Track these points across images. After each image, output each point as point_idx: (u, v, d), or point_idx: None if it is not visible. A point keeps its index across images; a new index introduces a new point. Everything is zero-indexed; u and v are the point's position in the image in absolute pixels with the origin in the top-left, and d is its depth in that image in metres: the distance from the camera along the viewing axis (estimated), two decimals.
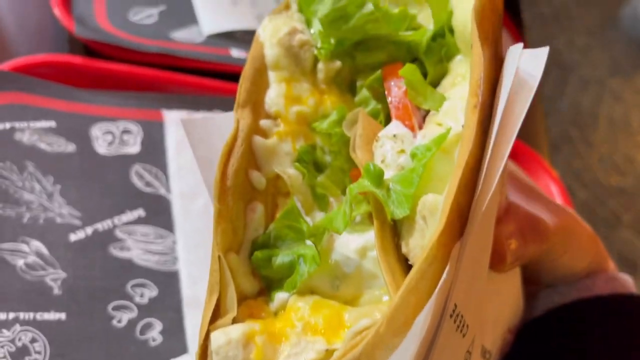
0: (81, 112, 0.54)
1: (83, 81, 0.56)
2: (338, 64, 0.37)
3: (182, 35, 0.63)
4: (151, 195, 0.52)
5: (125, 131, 0.54)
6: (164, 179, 0.53)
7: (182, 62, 0.60)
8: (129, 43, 0.58)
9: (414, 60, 0.39)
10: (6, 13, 0.61)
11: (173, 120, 0.56)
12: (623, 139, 2.13)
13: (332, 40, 0.37)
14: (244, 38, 0.66)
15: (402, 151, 0.33)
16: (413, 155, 0.32)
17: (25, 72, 0.54)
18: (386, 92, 0.35)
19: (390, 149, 0.33)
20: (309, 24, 0.40)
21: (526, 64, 0.31)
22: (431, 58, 0.37)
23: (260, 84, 0.37)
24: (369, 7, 0.36)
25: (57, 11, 0.58)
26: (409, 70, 0.34)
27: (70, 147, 0.51)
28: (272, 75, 0.37)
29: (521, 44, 0.31)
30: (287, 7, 0.40)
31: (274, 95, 0.36)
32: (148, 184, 0.52)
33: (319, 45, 0.37)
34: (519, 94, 0.30)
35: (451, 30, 0.37)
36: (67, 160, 0.51)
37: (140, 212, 0.51)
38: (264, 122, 0.36)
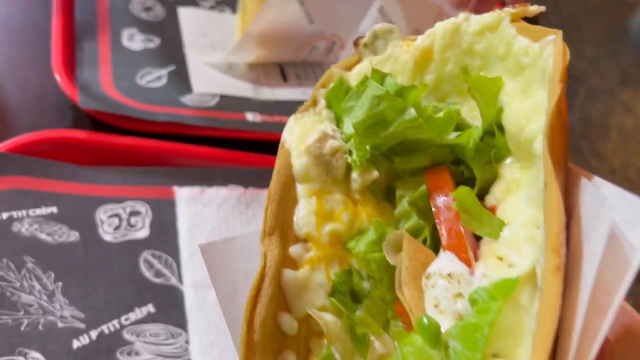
0: (85, 193, 0.48)
1: (88, 157, 0.51)
2: (375, 174, 0.32)
3: (193, 99, 0.58)
4: (161, 286, 0.46)
5: (133, 213, 0.49)
6: (175, 267, 0.47)
7: (194, 130, 0.55)
8: (136, 112, 0.53)
9: (458, 161, 0.33)
10: (6, 79, 0.56)
11: (185, 197, 0.51)
12: (635, 151, 2.07)
13: (368, 147, 0.32)
14: (257, 99, 0.61)
15: (459, 295, 0.27)
16: (473, 302, 0.26)
17: (26, 150, 0.49)
18: (434, 212, 0.30)
19: (444, 290, 0.28)
20: (339, 121, 0.35)
21: (621, 217, 0.25)
22: (479, 160, 0.32)
23: (287, 200, 0.32)
24: (411, 112, 0.31)
25: (60, 78, 0.53)
26: (463, 193, 0.29)
27: (73, 236, 0.46)
28: (300, 189, 0.32)
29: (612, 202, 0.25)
30: (315, 103, 0.35)
31: (304, 214, 0.31)
32: (158, 274, 0.47)
33: (353, 155, 0.32)
34: (613, 255, 0.24)
35: (500, 128, 0.32)
36: (70, 252, 0.46)
37: (149, 308, 0.45)
38: (293, 250, 0.31)
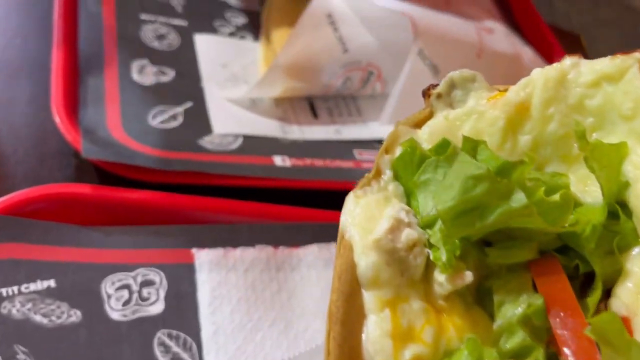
0: (89, 261, 0.41)
1: (93, 215, 0.43)
2: (468, 277, 0.24)
3: (214, 141, 0.50)
4: None
5: (145, 283, 0.41)
6: (195, 349, 0.39)
7: (215, 179, 0.47)
8: (148, 160, 0.45)
9: (566, 248, 0.26)
10: (0, 121, 0.48)
11: (206, 262, 0.43)
12: None
13: (457, 240, 0.24)
14: (285, 139, 0.53)
15: None
16: None
17: (20, 210, 0.41)
18: (556, 337, 0.22)
19: None
20: (410, 196, 0.27)
21: None
22: (597, 250, 0.24)
23: (353, 316, 0.24)
24: (520, 198, 0.23)
25: (60, 121, 0.45)
26: (605, 320, 0.21)
27: (74, 316, 0.38)
28: (369, 299, 0.24)
29: None
30: (378, 174, 0.27)
31: (376, 336, 0.23)
32: (175, 358, 0.39)
33: (442, 255, 0.24)
34: None
35: (624, 208, 0.25)
36: (71, 336, 0.38)
37: None
38: None
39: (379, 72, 0.56)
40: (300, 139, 0.53)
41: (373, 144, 0.55)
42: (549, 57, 0.69)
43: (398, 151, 0.27)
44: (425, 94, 0.29)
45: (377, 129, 0.56)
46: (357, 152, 0.54)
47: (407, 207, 0.26)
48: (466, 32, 0.55)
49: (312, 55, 0.54)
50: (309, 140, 0.54)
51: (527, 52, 0.61)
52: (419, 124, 0.29)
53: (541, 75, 0.27)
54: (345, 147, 0.54)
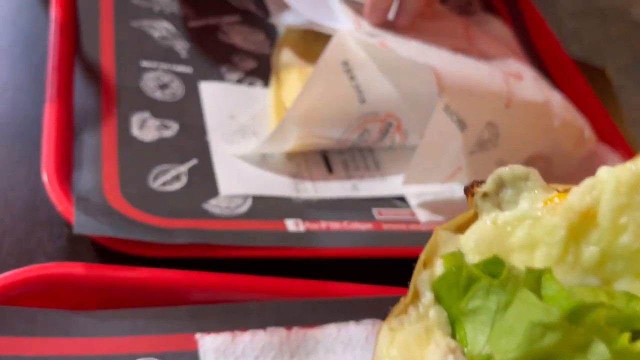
0: (81, 353, 0.36)
1: (86, 297, 0.38)
2: None
3: (220, 204, 0.45)
4: None
5: None
6: None
7: (222, 251, 0.42)
8: (148, 231, 0.41)
9: None
10: None
11: (211, 348, 0.38)
12: None
13: None
14: (298, 198, 0.48)
15: None
16: None
17: (5, 295, 0.36)
18: None
19: None
20: (455, 323, 0.22)
21: None
22: None
23: None
24: (601, 351, 0.18)
25: (52, 189, 0.41)
26: None
27: None
28: None
29: None
30: (416, 297, 0.22)
31: None
32: None
33: None
34: None
35: None
36: None
37: None
38: None
39: (398, 123, 0.51)
40: (314, 197, 0.49)
41: (393, 201, 0.51)
42: (576, 96, 0.64)
43: (439, 266, 0.22)
44: (468, 191, 0.24)
45: (397, 184, 0.52)
46: (376, 212, 0.49)
47: (453, 344, 0.21)
48: (494, 81, 0.51)
49: (327, 106, 0.49)
50: (324, 198, 0.49)
51: (555, 98, 0.56)
52: (461, 228, 0.24)
53: (612, 178, 0.22)
54: (363, 206, 0.49)
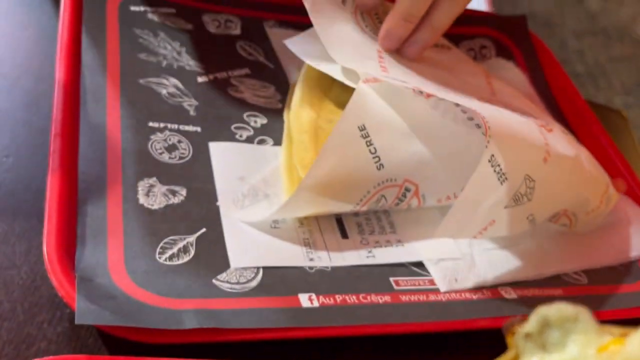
0: None
1: None
2: None
3: (231, 279, 0.43)
4: None
5: None
6: None
7: (234, 334, 0.40)
8: (155, 316, 0.38)
9: None
10: None
11: None
12: None
13: None
14: (312, 268, 0.45)
15: None
16: None
17: None
18: None
19: None
20: None
21: None
22: None
23: None
24: None
25: (52, 272, 0.38)
26: None
27: None
28: None
29: None
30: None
31: None
32: None
33: None
34: None
35: None
36: None
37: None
38: None
39: (416, 188, 0.49)
40: (328, 267, 0.46)
41: (411, 268, 0.48)
42: (596, 146, 0.61)
43: None
44: (508, 330, 0.21)
45: (414, 249, 0.49)
46: (393, 282, 0.46)
47: None
48: (533, 132, 0.48)
49: (343, 176, 0.46)
50: (339, 267, 0.46)
51: (583, 151, 0.54)
52: None
53: None
54: (379, 275, 0.46)
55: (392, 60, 0.52)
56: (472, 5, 0.52)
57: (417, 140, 0.48)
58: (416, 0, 0.50)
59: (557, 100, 0.68)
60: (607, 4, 2.21)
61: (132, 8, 0.57)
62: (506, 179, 0.45)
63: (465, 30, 0.70)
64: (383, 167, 0.47)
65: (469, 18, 0.70)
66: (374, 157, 0.47)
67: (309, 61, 0.52)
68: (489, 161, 0.44)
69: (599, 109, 0.74)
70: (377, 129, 0.47)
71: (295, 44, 0.54)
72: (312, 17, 0.51)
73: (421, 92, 0.47)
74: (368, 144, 0.46)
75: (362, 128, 0.46)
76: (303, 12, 0.62)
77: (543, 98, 0.67)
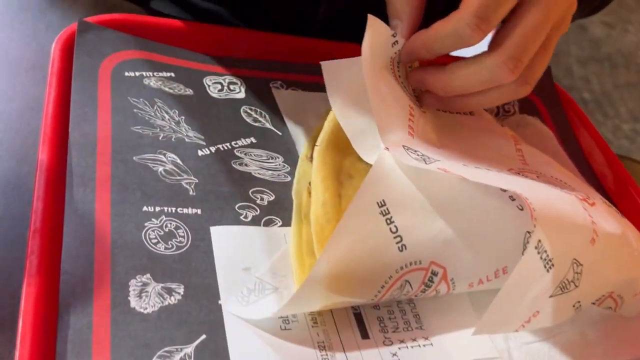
0: None
1: None
2: None
3: None
4: None
5: None
6: None
7: None
8: None
9: None
10: None
11: None
12: None
13: None
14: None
15: None
16: None
17: None
18: None
19: None
20: None
21: None
22: None
23: None
24: None
25: None
26: None
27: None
28: None
29: None
30: None
31: None
32: None
33: None
34: None
35: None
36: None
37: None
38: None
39: (444, 272, 0.42)
40: None
41: None
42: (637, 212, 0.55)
43: None
44: None
45: (445, 350, 0.42)
46: None
47: None
48: (577, 211, 0.42)
49: (360, 260, 0.40)
50: None
51: (628, 226, 0.47)
52: None
53: None
54: None
55: (421, 122, 0.46)
56: (475, 50, 0.45)
57: (444, 218, 0.42)
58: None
59: (589, 160, 0.61)
60: (611, 31, 2.16)
61: (127, 73, 0.52)
62: (553, 265, 0.39)
63: None
64: (406, 248, 0.41)
65: None
66: (395, 237, 0.40)
67: (333, 102, 0.46)
68: (536, 248, 0.38)
69: (632, 164, 0.67)
70: (399, 205, 0.41)
71: (331, 70, 0.47)
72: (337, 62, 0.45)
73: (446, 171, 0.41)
74: (388, 221, 0.40)
75: (382, 204, 0.40)
76: (311, 71, 0.56)
77: (574, 158, 0.60)
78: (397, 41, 0.46)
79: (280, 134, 0.53)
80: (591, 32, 2.15)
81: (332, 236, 0.40)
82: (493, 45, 0.43)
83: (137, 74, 0.52)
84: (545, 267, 0.39)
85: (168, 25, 0.57)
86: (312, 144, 0.51)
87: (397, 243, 0.41)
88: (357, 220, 0.40)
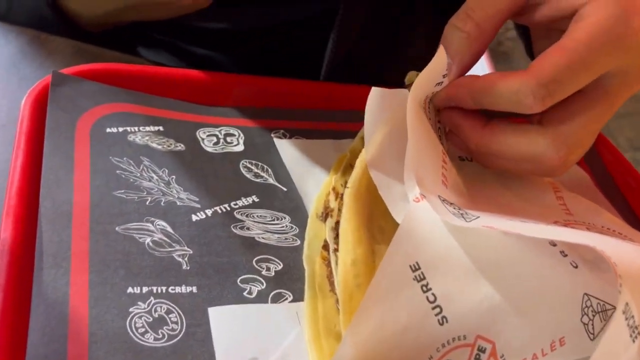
0: None
1: None
2: None
3: None
4: None
5: None
6: None
7: None
8: None
9: None
10: None
11: None
12: None
13: None
14: None
15: None
16: None
17: None
18: None
19: None
20: None
21: None
22: None
23: None
24: None
25: None
26: None
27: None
28: None
29: None
30: None
31: None
32: None
33: None
34: None
35: None
36: None
37: None
38: None
39: (493, 347, 0.35)
40: None
41: None
42: None
43: None
44: None
45: None
46: None
47: None
48: None
49: (394, 338, 0.33)
50: None
51: None
52: None
53: None
54: None
55: (453, 170, 0.39)
56: (476, 69, 0.40)
57: (491, 281, 0.35)
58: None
59: (629, 201, 0.54)
60: None
61: (109, 129, 0.44)
62: (638, 336, 0.31)
63: None
64: (447, 320, 0.33)
65: None
66: (433, 307, 0.33)
67: (367, 138, 0.39)
68: (624, 312, 0.31)
69: None
70: (436, 268, 0.33)
71: (376, 99, 0.39)
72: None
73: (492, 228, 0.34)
74: (424, 289, 0.33)
75: (416, 267, 0.33)
76: (317, 117, 0.50)
77: (612, 199, 0.53)
78: (443, 82, 0.40)
79: (285, 189, 0.46)
80: None
81: (358, 312, 0.32)
82: (549, 121, 0.38)
83: (121, 129, 0.45)
84: (631, 336, 0.31)
85: (154, 73, 0.50)
86: (324, 199, 0.44)
87: (436, 315, 0.33)
88: (387, 290, 0.33)
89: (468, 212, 0.36)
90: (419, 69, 0.39)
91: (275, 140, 0.49)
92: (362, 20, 0.57)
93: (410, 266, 0.33)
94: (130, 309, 0.35)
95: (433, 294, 0.33)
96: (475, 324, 0.34)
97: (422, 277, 0.33)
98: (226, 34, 0.60)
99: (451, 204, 0.36)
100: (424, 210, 0.34)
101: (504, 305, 0.34)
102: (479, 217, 0.35)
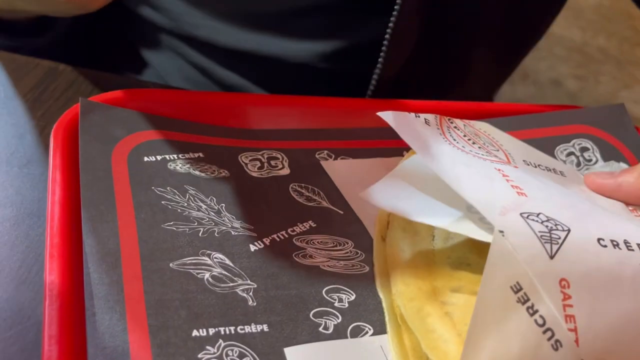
0: None
1: None
2: None
3: None
4: None
5: None
6: None
7: None
8: None
9: None
10: None
11: None
12: None
13: None
14: None
15: None
16: None
17: None
18: None
19: None
20: None
21: None
22: None
23: None
24: None
25: None
26: None
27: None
28: None
29: None
30: None
31: None
32: None
33: None
34: None
35: None
36: None
37: None
38: None
39: None
40: None
41: None
42: None
43: None
44: None
45: None
46: None
47: None
48: None
49: None
50: None
51: None
52: None
53: None
54: None
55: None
56: None
57: (603, 297, 0.30)
58: None
59: None
60: (584, 84, 2.14)
61: (146, 158, 0.40)
62: None
63: (557, 131, 0.53)
64: (561, 345, 0.29)
65: (557, 115, 0.54)
66: (544, 331, 0.28)
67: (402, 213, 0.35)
68: None
69: None
70: (539, 285, 0.29)
71: (374, 194, 0.37)
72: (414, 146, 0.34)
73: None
74: (531, 311, 0.29)
75: (517, 288, 0.29)
76: (359, 135, 0.46)
77: None
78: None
79: (342, 212, 0.41)
80: (565, 86, 2.14)
81: (466, 345, 0.27)
82: None
83: (159, 157, 0.40)
84: None
85: (187, 99, 0.46)
86: (386, 220, 0.40)
87: (548, 339, 0.29)
88: (493, 317, 0.28)
89: (558, 221, 0.31)
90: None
91: (321, 161, 0.45)
92: (412, 46, 0.54)
93: (512, 287, 0.29)
94: (199, 355, 0.30)
95: (541, 316, 0.29)
96: (595, 346, 0.30)
97: (525, 298, 0.29)
98: (266, 62, 0.57)
99: (537, 214, 0.32)
100: (513, 226, 0.30)
101: (627, 325, 0.30)
102: (568, 230, 0.31)
